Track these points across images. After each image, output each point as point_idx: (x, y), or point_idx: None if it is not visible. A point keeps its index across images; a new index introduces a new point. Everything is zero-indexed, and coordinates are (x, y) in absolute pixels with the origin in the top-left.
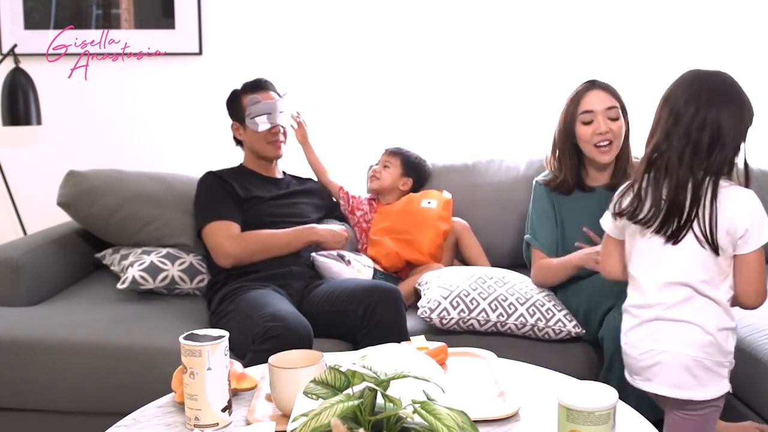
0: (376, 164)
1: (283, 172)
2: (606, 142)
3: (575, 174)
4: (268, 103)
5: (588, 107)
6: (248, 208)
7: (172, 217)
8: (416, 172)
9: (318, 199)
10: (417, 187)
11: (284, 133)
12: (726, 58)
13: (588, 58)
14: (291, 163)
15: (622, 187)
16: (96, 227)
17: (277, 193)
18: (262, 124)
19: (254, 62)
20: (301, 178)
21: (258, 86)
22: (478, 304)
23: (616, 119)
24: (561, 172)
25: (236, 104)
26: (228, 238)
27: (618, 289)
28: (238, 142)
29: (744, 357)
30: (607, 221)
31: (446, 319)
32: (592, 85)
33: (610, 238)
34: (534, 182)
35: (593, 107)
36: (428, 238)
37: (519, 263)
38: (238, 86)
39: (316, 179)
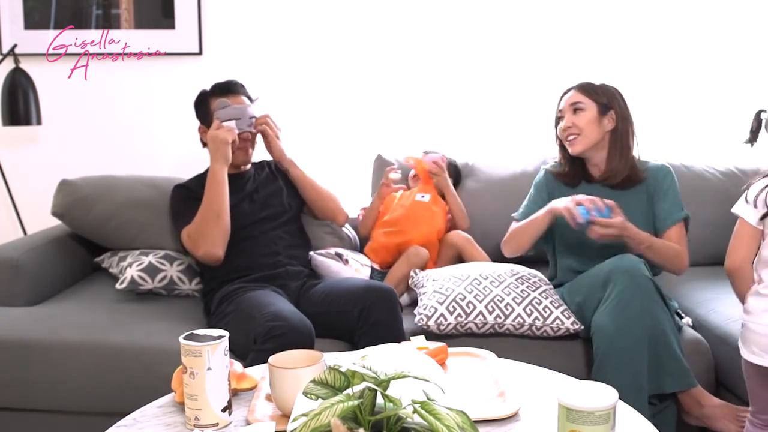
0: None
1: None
2: (572, 136)
3: (577, 166)
4: (237, 108)
5: (560, 108)
6: None
7: (167, 223)
8: (457, 177)
9: (282, 174)
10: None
11: (253, 139)
12: (724, 58)
13: (585, 59)
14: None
15: (762, 181)
16: (92, 235)
17: (247, 191)
18: None
19: (254, 62)
20: (259, 163)
21: (228, 89)
22: (475, 307)
23: (579, 111)
24: (562, 165)
25: (204, 107)
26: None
27: (603, 281)
28: (205, 145)
29: (729, 347)
30: (748, 212)
31: (443, 324)
32: (569, 89)
33: (748, 228)
34: (542, 169)
35: (562, 107)
36: (420, 233)
37: (517, 259)
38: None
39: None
